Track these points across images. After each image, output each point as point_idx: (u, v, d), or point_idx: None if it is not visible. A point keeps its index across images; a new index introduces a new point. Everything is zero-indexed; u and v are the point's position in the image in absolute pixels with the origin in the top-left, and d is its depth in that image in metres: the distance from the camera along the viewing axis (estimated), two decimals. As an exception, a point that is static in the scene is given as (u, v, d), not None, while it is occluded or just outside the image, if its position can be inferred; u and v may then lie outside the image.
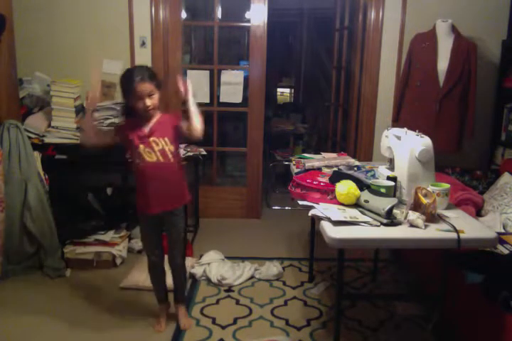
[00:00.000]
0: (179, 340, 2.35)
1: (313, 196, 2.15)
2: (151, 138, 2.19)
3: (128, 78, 2.14)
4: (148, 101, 2.14)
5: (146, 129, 2.21)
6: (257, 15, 3.80)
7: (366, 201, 1.99)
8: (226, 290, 2.86)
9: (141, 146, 2.19)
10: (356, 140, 3.99)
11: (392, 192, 2.08)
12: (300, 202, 2.17)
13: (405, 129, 2.26)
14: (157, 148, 2.20)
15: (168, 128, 2.22)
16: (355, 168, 2.57)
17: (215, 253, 3.19)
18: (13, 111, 3.12)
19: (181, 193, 2.35)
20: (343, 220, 1.89)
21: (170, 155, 2.22)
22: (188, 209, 3.77)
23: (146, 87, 2.12)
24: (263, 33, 3.83)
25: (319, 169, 2.51)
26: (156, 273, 2.48)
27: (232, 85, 3.95)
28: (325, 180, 2.24)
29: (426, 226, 1.88)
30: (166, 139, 2.21)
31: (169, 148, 2.21)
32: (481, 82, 3.40)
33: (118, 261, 3.15)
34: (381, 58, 3.69)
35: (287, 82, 7.84)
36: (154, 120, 2.23)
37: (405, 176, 2.12)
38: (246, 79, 3.98)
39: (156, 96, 2.16)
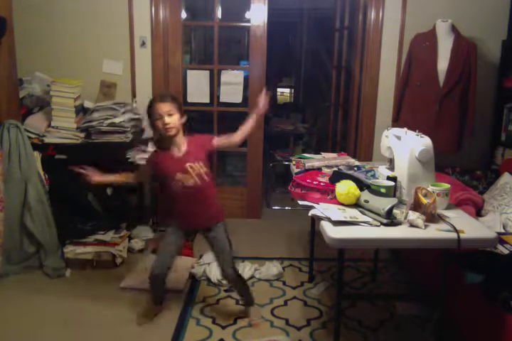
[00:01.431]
0: (179, 340, 2.35)
1: (313, 196, 2.15)
2: (187, 164, 2.28)
3: (150, 102, 2.28)
4: (167, 119, 2.21)
5: (180, 155, 2.29)
6: (257, 15, 3.80)
7: (366, 201, 1.99)
8: (226, 290, 2.86)
9: (179, 174, 2.27)
10: (356, 140, 3.99)
11: (392, 192, 2.08)
12: (300, 202, 2.17)
13: (405, 129, 2.26)
14: (194, 172, 2.28)
15: (201, 151, 2.32)
16: (355, 168, 2.57)
17: (215, 253, 3.18)
18: (13, 111, 3.12)
19: (217, 210, 2.43)
20: (343, 220, 1.89)
21: (205, 177, 2.31)
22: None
23: (166, 106, 2.23)
24: (263, 33, 3.83)
25: (319, 169, 2.51)
26: (155, 282, 2.49)
27: (232, 85, 3.95)
28: (325, 180, 2.24)
29: (426, 226, 1.88)
30: (201, 163, 2.30)
31: (204, 170, 2.30)
32: (481, 82, 3.39)
33: (118, 261, 3.15)
34: (381, 58, 3.69)
35: (287, 82, 7.85)
36: (185, 145, 2.31)
37: (405, 176, 2.12)
38: (246, 79, 3.98)
39: (175, 117, 2.25)
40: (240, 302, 2.64)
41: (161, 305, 2.60)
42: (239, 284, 2.53)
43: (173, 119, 2.23)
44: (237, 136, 2.37)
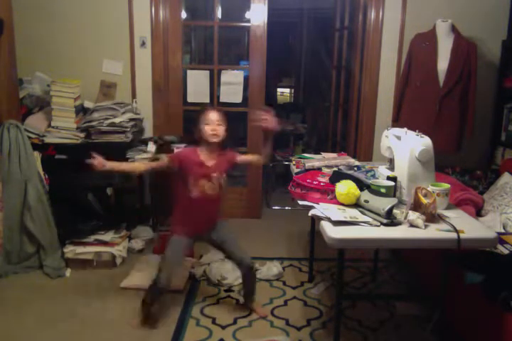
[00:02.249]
0: (179, 340, 2.35)
1: (313, 196, 2.15)
2: (214, 174, 2.38)
3: (204, 108, 2.45)
4: (216, 127, 2.35)
5: (209, 164, 2.38)
6: (257, 15, 3.80)
7: (366, 201, 1.99)
8: (226, 290, 2.86)
9: (204, 180, 2.36)
10: (356, 140, 3.99)
11: (392, 192, 2.08)
12: (300, 202, 2.17)
13: (405, 129, 2.26)
14: (217, 182, 2.39)
15: (227, 165, 2.44)
16: (355, 168, 2.57)
17: (215, 253, 3.18)
18: (13, 111, 3.12)
19: (221, 216, 2.56)
20: (343, 220, 1.89)
21: (223, 188, 2.43)
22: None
23: (217, 115, 2.37)
24: (263, 33, 3.83)
25: (319, 169, 2.51)
26: (158, 294, 2.47)
27: (232, 85, 3.95)
28: (325, 180, 2.24)
29: (426, 226, 1.88)
30: (224, 175, 2.42)
31: (224, 182, 2.42)
32: (481, 82, 3.40)
33: (118, 261, 3.15)
34: (381, 58, 3.69)
35: (287, 82, 7.84)
36: (216, 156, 2.41)
37: (405, 176, 2.12)
38: (246, 79, 3.98)
39: (222, 128, 2.37)
40: (245, 299, 2.65)
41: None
42: (253, 278, 2.61)
43: (220, 129, 2.36)
44: (261, 160, 2.49)
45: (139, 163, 2.49)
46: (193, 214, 2.42)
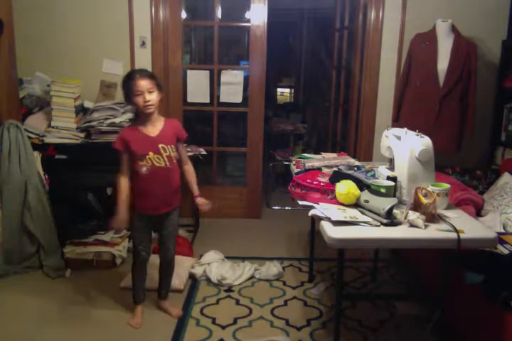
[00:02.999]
0: (179, 340, 2.35)
1: (313, 196, 2.15)
2: (160, 145, 2.28)
3: (129, 76, 2.25)
4: (148, 97, 2.20)
5: (154, 135, 2.29)
6: (257, 15, 3.80)
7: (366, 201, 2.00)
8: (226, 290, 2.86)
9: (151, 153, 2.27)
10: (356, 140, 3.99)
11: (392, 192, 2.08)
12: (300, 202, 2.17)
13: (405, 129, 2.26)
14: (165, 154, 2.30)
15: (174, 136, 2.35)
16: (355, 168, 2.57)
17: (215, 253, 3.19)
18: (13, 111, 3.12)
19: (179, 194, 2.47)
20: (343, 220, 1.89)
21: (174, 161, 2.34)
22: (188, 209, 3.82)
23: (146, 82, 2.21)
24: (263, 33, 3.83)
25: (319, 169, 2.51)
26: (144, 270, 2.53)
27: (232, 85, 3.95)
28: (325, 180, 2.24)
29: (426, 226, 1.88)
30: (172, 146, 2.33)
31: (174, 154, 2.34)
32: (481, 82, 3.40)
33: (118, 261, 3.15)
34: (381, 58, 3.69)
35: (287, 82, 7.85)
36: (160, 126, 2.32)
37: (405, 176, 2.12)
38: (246, 79, 3.98)
39: (155, 94, 2.24)
40: (158, 294, 2.61)
41: (144, 301, 2.60)
42: (172, 269, 2.58)
43: (153, 97, 2.23)
44: (187, 166, 2.48)
45: (120, 178, 2.32)
46: (148, 191, 2.32)
